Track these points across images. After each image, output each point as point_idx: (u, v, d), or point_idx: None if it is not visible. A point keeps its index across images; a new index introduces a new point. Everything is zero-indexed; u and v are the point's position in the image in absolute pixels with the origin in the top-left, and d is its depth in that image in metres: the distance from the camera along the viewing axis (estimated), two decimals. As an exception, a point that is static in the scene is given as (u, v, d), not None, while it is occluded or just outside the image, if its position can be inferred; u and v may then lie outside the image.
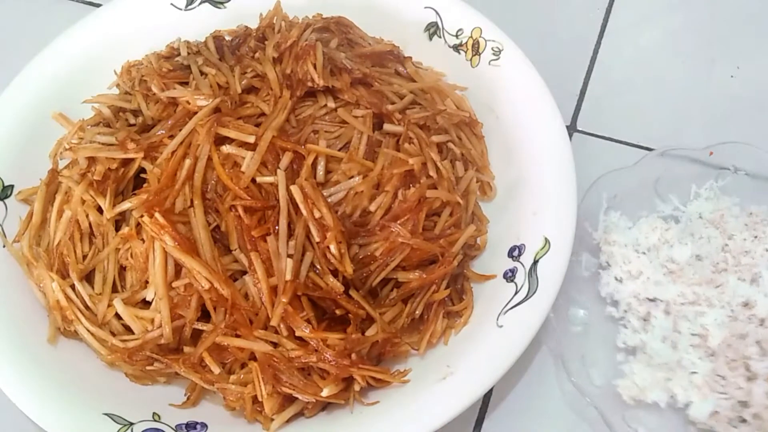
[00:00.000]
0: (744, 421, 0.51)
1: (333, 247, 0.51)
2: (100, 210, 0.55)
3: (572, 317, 0.57)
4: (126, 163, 0.56)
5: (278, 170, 0.53)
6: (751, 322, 0.54)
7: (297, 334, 0.50)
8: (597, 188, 0.61)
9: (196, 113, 0.56)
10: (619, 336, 0.56)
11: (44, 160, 0.61)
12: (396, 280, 0.54)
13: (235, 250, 0.52)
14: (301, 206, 0.51)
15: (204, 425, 0.51)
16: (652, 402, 0.53)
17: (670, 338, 0.55)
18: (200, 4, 0.70)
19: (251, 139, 0.54)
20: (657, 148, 0.64)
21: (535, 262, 0.54)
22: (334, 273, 0.51)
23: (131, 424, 0.50)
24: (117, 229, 0.55)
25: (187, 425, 0.51)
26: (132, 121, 0.60)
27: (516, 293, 0.53)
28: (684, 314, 0.55)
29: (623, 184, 0.62)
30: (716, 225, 0.59)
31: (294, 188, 0.52)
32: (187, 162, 0.53)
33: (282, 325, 0.50)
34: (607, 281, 0.58)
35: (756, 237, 0.58)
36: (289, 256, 0.50)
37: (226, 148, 0.54)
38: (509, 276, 0.55)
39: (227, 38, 0.66)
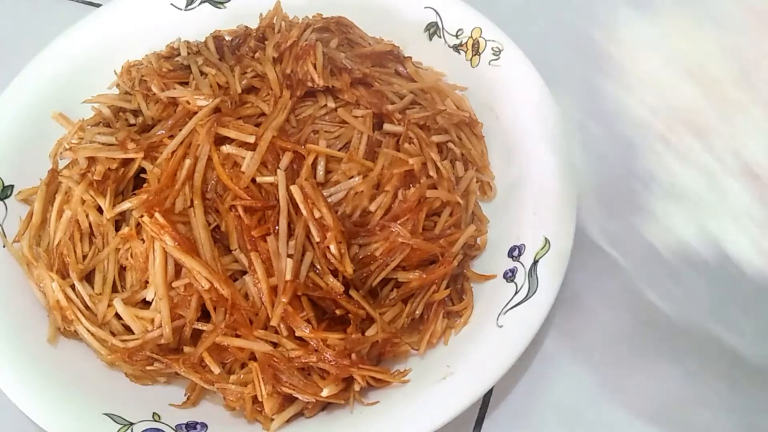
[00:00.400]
0: None
1: (333, 247, 0.51)
2: (100, 210, 0.55)
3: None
4: (126, 163, 0.56)
5: (278, 170, 0.53)
6: None
7: (297, 334, 0.50)
8: None
9: (196, 113, 0.56)
10: (638, 161, 0.42)
11: (44, 160, 0.61)
12: (396, 280, 0.54)
13: (235, 250, 0.52)
14: (301, 206, 0.51)
15: (204, 425, 0.51)
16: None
17: (706, 167, 0.40)
18: (200, 4, 0.70)
19: (251, 139, 0.54)
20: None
21: (535, 262, 0.54)
22: (334, 273, 0.51)
23: (131, 424, 0.50)
24: (117, 229, 0.55)
25: (187, 425, 0.51)
26: (132, 121, 0.60)
27: (516, 293, 0.53)
28: (712, 131, 0.40)
29: None
30: None
31: (294, 188, 0.52)
32: (187, 162, 0.53)
33: (282, 325, 0.50)
34: (614, 92, 0.43)
35: None
36: (289, 256, 0.50)
37: (226, 148, 0.54)
38: (509, 276, 0.55)
39: (227, 38, 0.66)
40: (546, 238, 0.54)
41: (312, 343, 0.50)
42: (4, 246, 0.57)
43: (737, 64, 0.42)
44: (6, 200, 0.60)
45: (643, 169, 0.42)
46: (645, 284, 0.44)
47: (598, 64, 0.46)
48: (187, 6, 0.70)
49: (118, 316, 0.53)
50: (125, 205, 0.54)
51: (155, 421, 0.51)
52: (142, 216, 0.51)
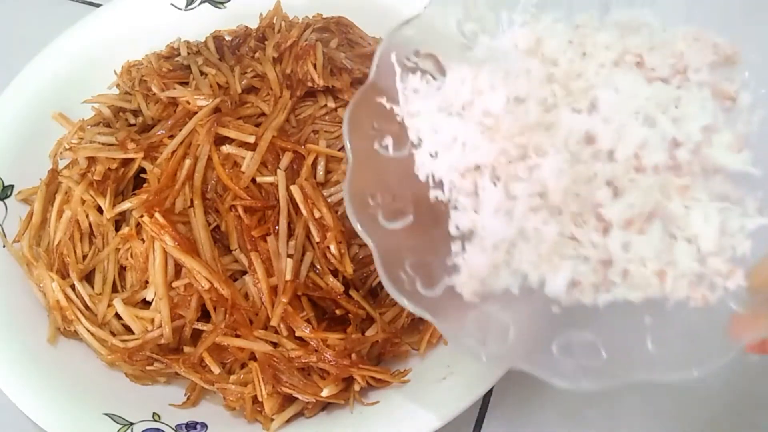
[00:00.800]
0: (614, 283, 0.40)
1: (333, 247, 0.51)
2: (100, 210, 0.55)
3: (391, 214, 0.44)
4: (126, 163, 0.56)
5: (278, 170, 0.53)
6: (597, 159, 0.41)
7: (297, 334, 0.50)
8: (386, 50, 0.46)
9: (196, 113, 0.56)
10: (450, 221, 0.43)
11: (44, 160, 0.61)
12: (396, 280, 0.54)
13: (235, 250, 0.52)
14: (301, 206, 0.51)
15: (204, 425, 0.51)
16: (502, 291, 0.41)
17: (503, 208, 0.42)
18: (200, 4, 0.70)
19: (251, 139, 0.54)
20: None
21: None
22: (334, 273, 0.51)
23: (131, 424, 0.50)
24: (117, 229, 0.55)
25: (187, 425, 0.51)
26: (132, 121, 0.60)
27: (516, 293, 0.53)
28: (515, 174, 0.42)
29: (418, 38, 0.47)
30: (533, 52, 0.45)
31: (294, 188, 0.52)
32: (187, 162, 0.53)
33: (282, 325, 0.50)
34: (422, 161, 0.44)
35: (584, 53, 0.44)
36: (289, 256, 0.50)
37: (226, 148, 0.54)
38: (509, 276, 0.55)
39: (227, 38, 0.66)
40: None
41: (312, 343, 0.50)
42: (4, 246, 0.57)
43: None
44: (6, 200, 0.60)
45: None
46: None
47: None
48: (187, 6, 0.70)
49: (118, 316, 0.53)
50: (125, 205, 0.54)
51: (155, 421, 0.51)
52: (142, 216, 0.51)
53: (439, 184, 0.44)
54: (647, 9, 0.46)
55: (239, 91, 0.58)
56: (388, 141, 0.45)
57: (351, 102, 0.44)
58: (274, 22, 0.66)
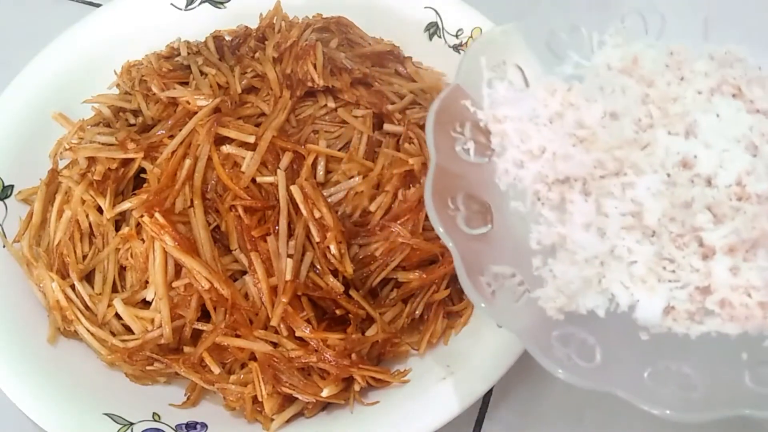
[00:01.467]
0: (710, 312, 0.39)
1: (333, 247, 0.51)
2: (100, 210, 0.55)
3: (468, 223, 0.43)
4: (126, 163, 0.56)
5: (278, 170, 0.53)
6: (695, 184, 0.41)
7: (297, 334, 0.50)
8: (474, 55, 0.47)
9: (196, 113, 0.56)
10: (532, 235, 0.42)
11: (44, 160, 0.61)
12: (396, 280, 0.54)
13: (235, 250, 0.52)
14: (301, 206, 0.51)
15: (204, 425, 0.51)
16: (587, 312, 0.40)
17: (594, 224, 0.41)
18: (200, 4, 0.70)
19: (251, 139, 0.54)
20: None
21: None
22: (334, 273, 0.51)
23: (131, 424, 0.50)
24: (117, 229, 0.55)
25: (187, 425, 0.51)
26: (132, 121, 0.60)
27: (516, 293, 0.53)
28: (607, 190, 0.42)
29: (507, 49, 0.48)
30: (630, 72, 0.46)
31: (294, 188, 0.52)
32: (187, 162, 0.53)
33: (282, 325, 0.50)
34: (505, 168, 0.44)
35: (682, 78, 0.45)
36: (289, 256, 0.50)
37: (226, 148, 0.54)
38: (509, 276, 0.55)
39: (227, 38, 0.66)
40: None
41: (312, 343, 0.50)
42: (4, 246, 0.57)
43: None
44: (6, 200, 0.60)
45: None
46: None
47: None
48: (187, 6, 0.70)
49: (118, 316, 0.53)
50: (125, 205, 0.54)
51: (155, 421, 0.51)
52: (142, 216, 0.51)
53: (521, 195, 0.43)
54: (743, 45, 0.46)
55: (239, 91, 0.58)
56: (470, 145, 0.45)
57: (437, 100, 0.44)
58: (274, 22, 0.66)
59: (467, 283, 0.39)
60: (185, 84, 0.60)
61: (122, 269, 0.55)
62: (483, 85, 0.46)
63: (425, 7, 0.67)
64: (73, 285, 0.54)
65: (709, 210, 0.40)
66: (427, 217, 0.54)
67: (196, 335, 0.52)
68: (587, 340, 0.39)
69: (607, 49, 0.48)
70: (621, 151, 0.42)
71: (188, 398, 0.53)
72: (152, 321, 0.52)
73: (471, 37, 0.65)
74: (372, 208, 0.54)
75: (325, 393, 0.49)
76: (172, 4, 0.70)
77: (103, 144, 0.56)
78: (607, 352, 0.39)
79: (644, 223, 0.41)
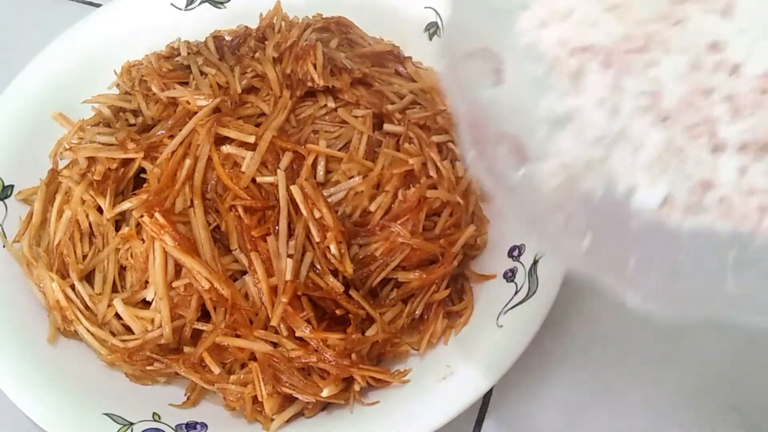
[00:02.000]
0: (707, 208, 0.37)
1: (333, 247, 0.51)
2: (100, 210, 0.55)
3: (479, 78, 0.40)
4: (126, 163, 0.56)
5: (278, 170, 0.53)
6: (720, 70, 0.38)
7: (297, 334, 0.50)
8: None
9: (196, 113, 0.56)
10: (543, 102, 0.40)
11: (44, 160, 0.61)
12: (396, 280, 0.54)
13: (235, 250, 0.52)
14: (301, 206, 0.51)
15: (204, 425, 0.51)
16: (582, 195, 0.38)
17: (609, 101, 0.38)
18: (200, 4, 0.70)
19: (251, 139, 0.54)
20: None
21: (535, 262, 0.54)
22: (334, 273, 0.51)
23: (131, 424, 0.50)
24: (117, 229, 0.55)
25: (187, 425, 0.51)
26: (132, 121, 0.60)
27: (516, 293, 0.53)
28: (629, 66, 0.39)
29: None
30: None
31: (294, 188, 0.52)
32: (187, 162, 0.53)
33: (282, 325, 0.50)
34: (528, 26, 0.41)
35: None
36: (289, 256, 0.50)
37: (226, 148, 0.54)
38: (509, 276, 0.55)
39: (227, 38, 0.66)
40: (546, 238, 0.54)
41: (312, 343, 0.50)
42: (4, 246, 0.57)
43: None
44: (6, 200, 0.60)
45: None
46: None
47: None
48: (187, 6, 0.70)
49: (118, 316, 0.53)
50: (125, 205, 0.54)
51: (155, 421, 0.51)
52: (142, 216, 0.51)
53: (538, 57, 0.40)
54: None
55: (239, 91, 0.58)
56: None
57: None
58: (274, 22, 0.66)
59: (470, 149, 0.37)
60: (185, 84, 0.60)
61: (122, 269, 0.55)
62: None
63: (425, 7, 0.67)
64: (73, 285, 0.54)
65: (729, 100, 0.38)
66: (427, 217, 0.55)
67: (196, 335, 0.52)
68: (579, 223, 0.37)
69: None
70: (652, 26, 0.38)
71: (188, 398, 0.53)
72: (152, 321, 0.52)
73: (471, 37, 0.65)
74: (372, 208, 0.54)
75: (325, 393, 0.49)
76: (172, 4, 0.70)
77: (103, 144, 0.56)
78: (597, 237, 0.37)
79: (661, 105, 0.38)
